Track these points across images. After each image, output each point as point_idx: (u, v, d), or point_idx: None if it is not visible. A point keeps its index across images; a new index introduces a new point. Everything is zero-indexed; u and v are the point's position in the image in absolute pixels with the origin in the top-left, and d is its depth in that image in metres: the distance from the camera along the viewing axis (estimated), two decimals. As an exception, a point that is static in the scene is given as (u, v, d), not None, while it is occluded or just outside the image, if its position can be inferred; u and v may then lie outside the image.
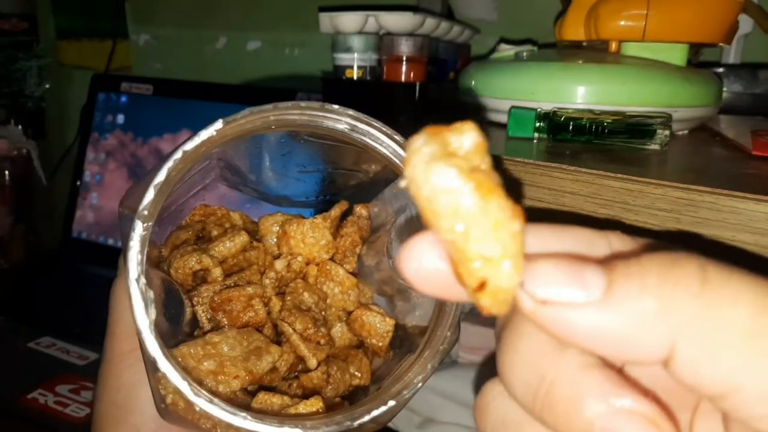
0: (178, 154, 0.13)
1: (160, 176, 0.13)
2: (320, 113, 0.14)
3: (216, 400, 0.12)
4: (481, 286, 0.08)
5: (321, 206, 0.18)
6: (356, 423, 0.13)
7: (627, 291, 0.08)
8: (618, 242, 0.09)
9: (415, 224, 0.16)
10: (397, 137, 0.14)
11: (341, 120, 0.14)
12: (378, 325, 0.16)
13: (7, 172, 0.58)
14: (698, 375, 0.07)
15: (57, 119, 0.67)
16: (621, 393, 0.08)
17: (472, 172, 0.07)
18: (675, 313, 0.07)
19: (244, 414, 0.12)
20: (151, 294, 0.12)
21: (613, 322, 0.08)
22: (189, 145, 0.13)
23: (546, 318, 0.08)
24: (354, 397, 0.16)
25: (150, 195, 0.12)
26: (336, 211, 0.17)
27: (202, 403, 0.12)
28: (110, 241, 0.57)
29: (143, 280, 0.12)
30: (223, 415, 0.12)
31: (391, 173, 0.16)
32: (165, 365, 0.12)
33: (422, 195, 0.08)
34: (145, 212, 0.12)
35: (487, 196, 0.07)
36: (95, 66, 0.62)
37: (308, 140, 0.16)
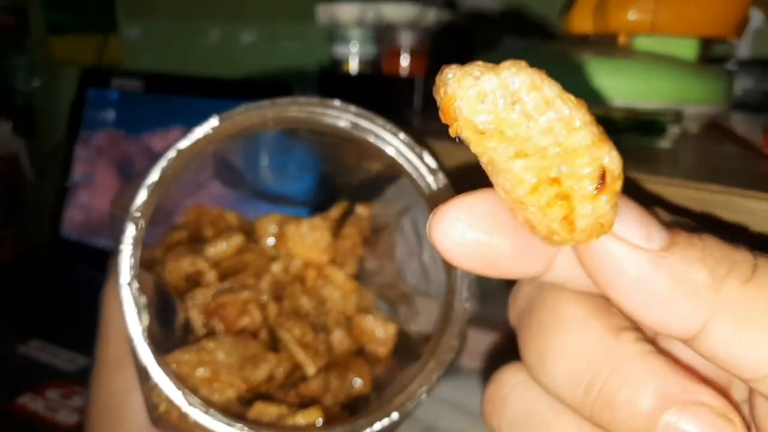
0: (172, 153, 0.12)
1: (153, 176, 0.12)
2: (320, 110, 0.13)
3: (211, 410, 0.12)
4: (601, 186, 0.07)
5: (320, 206, 0.17)
6: None
7: (686, 256, 0.07)
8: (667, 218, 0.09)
9: (420, 225, 0.15)
10: (402, 135, 0.14)
11: (342, 117, 0.13)
12: (378, 331, 0.15)
13: (-5, 171, 0.57)
14: (733, 356, 0.07)
15: (47, 116, 0.66)
16: (688, 385, 0.07)
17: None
18: (722, 292, 0.07)
19: (240, 425, 0.12)
20: (143, 299, 0.12)
21: (661, 280, 0.07)
22: (183, 144, 0.12)
23: (598, 251, 0.07)
24: (354, 406, 0.15)
25: (142, 196, 0.12)
26: (336, 212, 0.16)
27: (196, 413, 0.11)
28: (101, 243, 0.56)
29: (135, 285, 0.12)
30: (218, 426, 0.11)
31: (394, 172, 0.15)
32: (158, 374, 0.12)
33: (508, 114, 0.07)
34: (137, 214, 0.12)
35: (575, 100, 0.07)
36: (86, 61, 0.61)
37: (307, 137, 0.15)
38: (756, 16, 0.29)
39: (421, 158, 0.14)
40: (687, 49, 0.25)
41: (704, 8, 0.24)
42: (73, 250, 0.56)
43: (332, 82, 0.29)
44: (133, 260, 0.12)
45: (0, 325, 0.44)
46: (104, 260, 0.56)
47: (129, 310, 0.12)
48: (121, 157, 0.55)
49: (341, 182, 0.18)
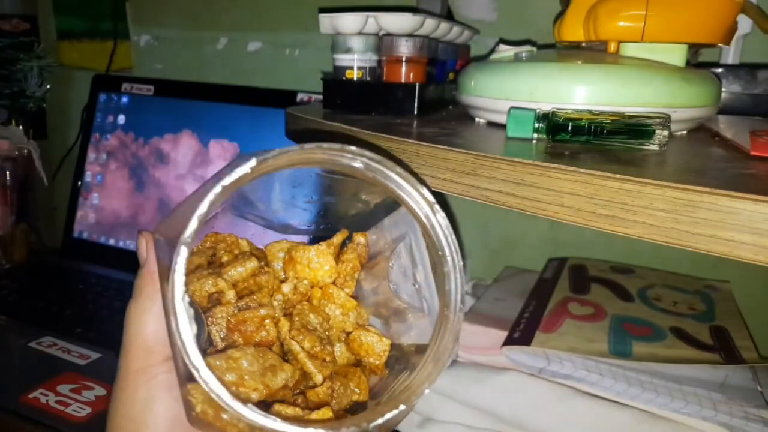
0: (218, 189, 0.14)
1: (203, 208, 0.14)
2: (339, 153, 0.15)
3: (249, 404, 0.13)
4: None
5: (321, 234, 0.20)
6: (372, 425, 0.14)
7: None
8: None
9: (414, 251, 0.17)
10: (407, 175, 0.16)
11: (357, 159, 0.15)
12: (375, 345, 0.17)
13: (8, 173, 0.58)
14: None
15: (58, 120, 0.67)
16: None
17: None
18: None
19: (274, 417, 0.13)
20: (192, 311, 0.13)
21: None
22: (227, 181, 0.14)
23: None
24: (354, 412, 0.16)
25: (194, 224, 0.14)
26: (338, 239, 0.18)
27: (238, 406, 0.13)
28: (111, 242, 0.57)
29: (187, 299, 0.13)
30: (259, 417, 0.13)
31: (390, 204, 0.17)
32: (206, 373, 0.13)
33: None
34: (189, 239, 0.14)
35: None
36: (96, 67, 0.62)
37: (318, 173, 0.17)
38: (744, 22, 0.30)
39: (421, 193, 0.16)
40: (676, 54, 0.25)
41: (694, 16, 0.25)
42: (84, 249, 0.58)
43: (335, 88, 0.30)
44: (184, 278, 0.13)
45: (13, 321, 0.45)
46: (114, 259, 0.57)
47: (182, 319, 0.13)
48: (131, 159, 0.57)
49: (342, 212, 0.20)
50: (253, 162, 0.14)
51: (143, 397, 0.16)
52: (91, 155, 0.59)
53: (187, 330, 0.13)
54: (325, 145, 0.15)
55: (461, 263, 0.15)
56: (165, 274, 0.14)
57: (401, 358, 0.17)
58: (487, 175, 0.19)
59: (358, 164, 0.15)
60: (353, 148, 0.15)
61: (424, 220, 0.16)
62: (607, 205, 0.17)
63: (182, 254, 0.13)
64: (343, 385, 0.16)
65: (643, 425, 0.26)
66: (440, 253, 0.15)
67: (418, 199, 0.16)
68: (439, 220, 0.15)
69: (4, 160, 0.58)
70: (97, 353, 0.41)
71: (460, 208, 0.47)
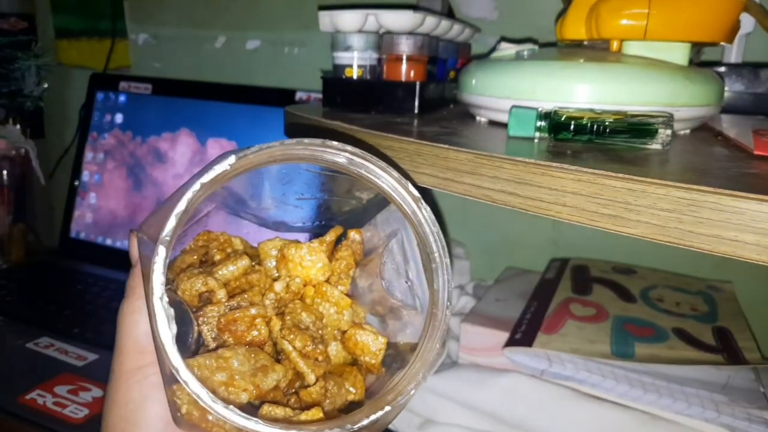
0: (197, 186, 0.14)
1: (181, 206, 0.14)
2: (321, 149, 0.15)
3: (230, 405, 0.13)
4: None
5: (316, 231, 0.19)
6: (356, 426, 0.14)
7: None
8: None
9: (406, 247, 0.17)
10: (391, 170, 0.16)
11: (340, 154, 0.15)
12: (371, 343, 0.17)
13: (5, 172, 0.58)
14: None
15: (56, 119, 0.67)
16: None
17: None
18: None
19: (255, 419, 0.13)
20: (171, 311, 0.13)
21: None
22: (206, 178, 0.14)
23: None
24: (349, 412, 0.16)
25: (172, 222, 0.14)
26: (331, 236, 0.18)
27: (218, 408, 0.13)
28: (108, 241, 0.57)
29: (166, 298, 0.13)
30: (238, 419, 0.13)
31: (382, 201, 0.17)
32: (186, 374, 0.13)
33: None
34: (168, 238, 0.14)
35: None
36: (94, 65, 0.62)
37: (308, 170, 0.17)
38: (747, 21, 0.30)
39: (406, 189, 0.16)
40: (678, 53, 0.25)
41: (697, 14, 0.25)
42: (81, 248, 0.57)
43: (335, 87, 0.29)
44: (163, 277, 0.13)
45: (10, 322, 0.45)
46: (111, 259, 0.57)
47: (161, 319, 0.13)
48: (129, 158, 0.57)
49: (336, 210, 0.20)
50: (232, 159, 0.14)
51: (136, 397, 0.16)
52: (88, 154, 0.58)
53: (166, 330, 0.13)
54: (306, 140, 0.15)
55: (447, 259, 0.15)
56: (148, 273, 0.14)
57: (398, 357, 0.17)
58: (488, 175, 0.19)
59: (340, 159, 0.15)
60: (335, 143, 0.15)
61: (411, 215, 0.15)
62: (609, 205, 0.17)
63: (160, 254, 0.13)
64: (337, 384, 0.16)
65: (646, 427, 0.26)
66: (427, 248, 0.15)
67: (403, 194, 0.15)
68: (424, 215, 0.15)
69: (1, 159, 0.57)
70: (95, 354, 0.40)
71: (461, 207, 0.46)
